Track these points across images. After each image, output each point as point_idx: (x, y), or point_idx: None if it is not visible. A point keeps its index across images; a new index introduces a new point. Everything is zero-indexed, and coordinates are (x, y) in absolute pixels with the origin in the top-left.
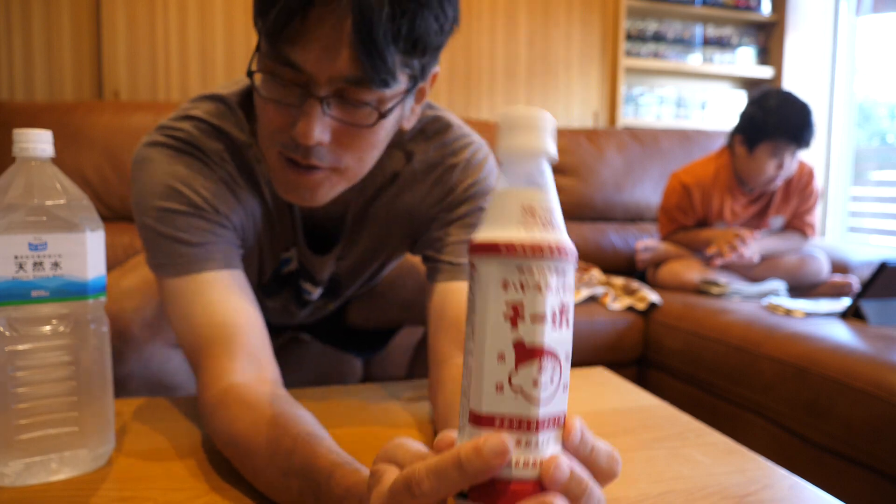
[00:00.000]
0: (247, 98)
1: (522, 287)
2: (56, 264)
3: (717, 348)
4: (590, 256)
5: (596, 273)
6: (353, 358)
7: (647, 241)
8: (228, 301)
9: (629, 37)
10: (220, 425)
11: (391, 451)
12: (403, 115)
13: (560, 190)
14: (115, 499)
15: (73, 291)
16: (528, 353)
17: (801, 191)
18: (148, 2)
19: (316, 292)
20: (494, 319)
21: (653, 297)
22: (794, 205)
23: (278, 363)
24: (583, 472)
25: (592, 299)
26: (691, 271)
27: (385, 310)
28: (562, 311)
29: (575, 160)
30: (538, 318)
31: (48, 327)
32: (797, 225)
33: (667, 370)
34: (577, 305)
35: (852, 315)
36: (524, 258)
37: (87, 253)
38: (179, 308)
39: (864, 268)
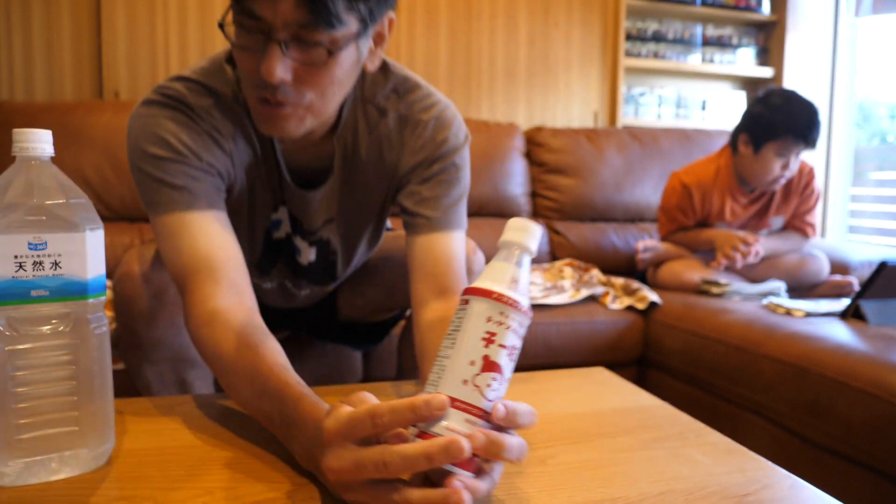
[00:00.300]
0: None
1: (499, 324)
2: (56, 264)
3: (717, 348)
4: (590, 256)
5: (596, 273)
6: (352, 357)
7: (647, 242)
8: (211, 236)
9: (629, 37)
10: (207, 343)
11: (352, 399)
12: (361, 56)
13: (560, 190)
14: (114, 498)
15: (74, 291)
16: (490, 365)
17: (801, 191)
18: (148, 2)
19: (309, 253)
20: (474, 338)
21: (653, 296)
22: (794, 204)
23: None
24: (498, 435)
25: (592, 299)
26: (692, 271)
27: (371, 293)
28: (514, 349)
29: (575, 160)
30: (503, 346)
31: (48, 327)
32: (797, 225)
33: (667, 370)
34: (577, 305)
35: (852, 315)
36: (506, 306)
37: (87, 252)
38: (168, 242)
39: (864, 268)
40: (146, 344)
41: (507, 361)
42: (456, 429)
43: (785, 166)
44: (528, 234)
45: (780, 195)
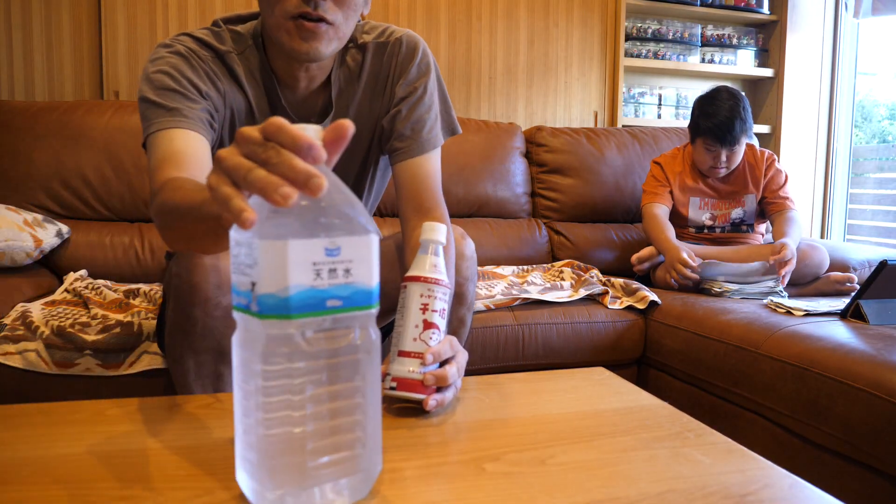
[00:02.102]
0: (232, 21)
1: (429, 297)
2: (347, 271)
3: (717, 348)
4: (590, 257)
5: (595, 273)
6: None
7: (640, 254)
8: (188, 143)
9: (629, 37)
10: (164, 200)
11: None
12: None
13: (560, 190)
14: (115, 498)
15: (362, 300)
16: (428, 325)
17: (766, 172)
18: (148, 2)
19: None
20: (415, 309)
21: (653, 296)
22: (763, 185)
23: None
24: (440, 371)
25: (592, 299)
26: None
27: None
28: (443, 311)
29: (575, 160)
30: (435, 311)
31: (341, 340)
32: (776, 202)
33: (667, 370)
34: (577, 305)
35: (852, 315)
36: (431, 284)
37: (373, 257)
38: (155, 151)
39: (863, 268)
40: (199, 331)
41: (439, 319)
42: (414, 371)
43: (715, 159)
44: (438, 231)
45: (749, 178)
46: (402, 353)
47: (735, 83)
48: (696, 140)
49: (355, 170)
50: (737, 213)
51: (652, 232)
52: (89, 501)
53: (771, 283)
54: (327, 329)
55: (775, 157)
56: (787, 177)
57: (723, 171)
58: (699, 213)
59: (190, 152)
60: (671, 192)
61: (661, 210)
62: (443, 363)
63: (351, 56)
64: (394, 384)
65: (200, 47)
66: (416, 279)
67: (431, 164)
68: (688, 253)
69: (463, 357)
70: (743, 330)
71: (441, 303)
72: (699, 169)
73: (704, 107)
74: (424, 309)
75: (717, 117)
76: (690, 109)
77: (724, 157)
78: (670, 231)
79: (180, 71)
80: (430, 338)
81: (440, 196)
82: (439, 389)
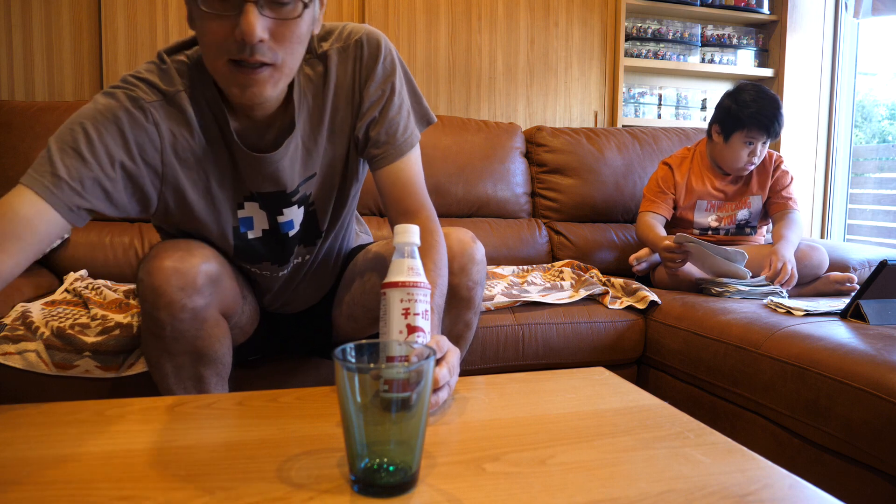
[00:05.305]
0: (176, 50)
1: (409, 301)
2: None
3: (717, 348)
4: (590, 257)
5: (595, 273)
6: None
7: (638, 254)
8: (38, 218)
9: (629, 37)
10: None
11: None
12: (315, 17)
13: (560, 190)
14: (114, 498)
15: None
16: (412, 329)
17: (773, 173)
18: (148, 2)
19: (298, 215)
20: (397, 315)
21: (653, 296)
22: (769, 185)
23: (279, 375)
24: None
25: (592, 299)
26: (691, 266)
27: (370, 302)
28: (426, 312)
29: (575, 160)
30: (417, 314)
31: None
32: (779, 202)
33: (667, 370)
34: (577, 305)
35: (852, 315)
36: (410, 288)
37: None
38: (10, 200)
39: (863, 267)
40: (169, 334)
41: (423, 321)
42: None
43: (752, 153)
44: (411, 233)
45: (755, 179)
46: (389, 359)
47: (735, 83)
48: (732, 135)
49: (337, 181)
50: (742, 214)
51: (643, 235)
52: (89, 501)
53: (771, 284)
54: None
55: (783, 158)
56: (792, 178)
57: (751, 168)
58: (705, 214)
59: (28, 227)
60: (674, 200)
61: (657, 219)
62: None
63: (311, 67)
64: (385, 387)
65: (148, 92)
66: (395, 285)
67: (411, 166)
68: (668, 237)
69: (454, 356)
70: (743, 330)
71: (423, 304)
72: (722, 167)
73: (742, 98)
74: (406, 314)
75: (759, 104)
76: (719, 108)
77: (759, 151)
78: (658, 229)
79: (102, 139)
80: (416, 341)
81: (424, 196)
82: (433, 391)
